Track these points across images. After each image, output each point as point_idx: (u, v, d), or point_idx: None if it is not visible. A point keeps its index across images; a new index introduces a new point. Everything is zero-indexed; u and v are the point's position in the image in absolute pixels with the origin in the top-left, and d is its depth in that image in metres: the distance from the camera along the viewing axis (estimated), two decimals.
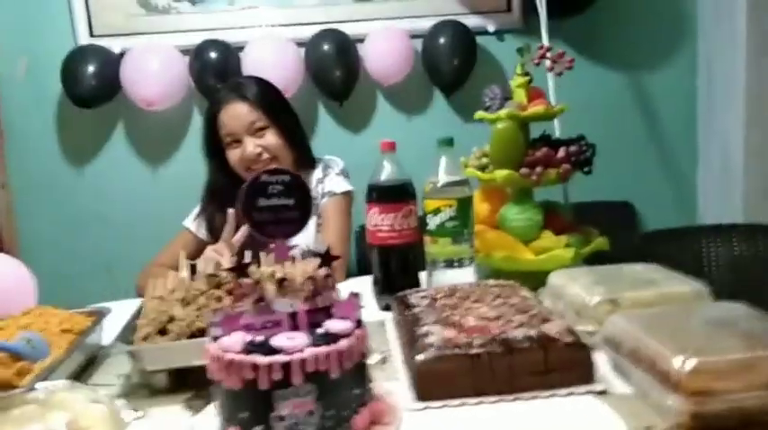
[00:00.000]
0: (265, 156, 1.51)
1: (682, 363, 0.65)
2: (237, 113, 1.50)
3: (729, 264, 1.55)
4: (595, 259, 1.23)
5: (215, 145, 1.55)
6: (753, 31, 2.06)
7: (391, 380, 0.83)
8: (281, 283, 0.73)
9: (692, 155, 2.39)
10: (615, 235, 1.30)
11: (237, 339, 0.67)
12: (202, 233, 1.60)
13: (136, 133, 2.26)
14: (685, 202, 2.42)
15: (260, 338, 0.68)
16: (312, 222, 1.54)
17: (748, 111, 2.04)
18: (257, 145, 1.50)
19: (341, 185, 1.60)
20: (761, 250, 1.51)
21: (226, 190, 1.55)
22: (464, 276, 1.14)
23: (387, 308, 1.11)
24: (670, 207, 2.41)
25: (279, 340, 0.66)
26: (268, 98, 1.55)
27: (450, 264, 1.16)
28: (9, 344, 0.83)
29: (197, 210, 1.63)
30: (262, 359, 0.64)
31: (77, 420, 0.67)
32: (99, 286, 1.80)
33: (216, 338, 0.70)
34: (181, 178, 2.17)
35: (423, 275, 1.20)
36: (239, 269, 0.74)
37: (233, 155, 1.52)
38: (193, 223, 1.62)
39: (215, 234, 1.55)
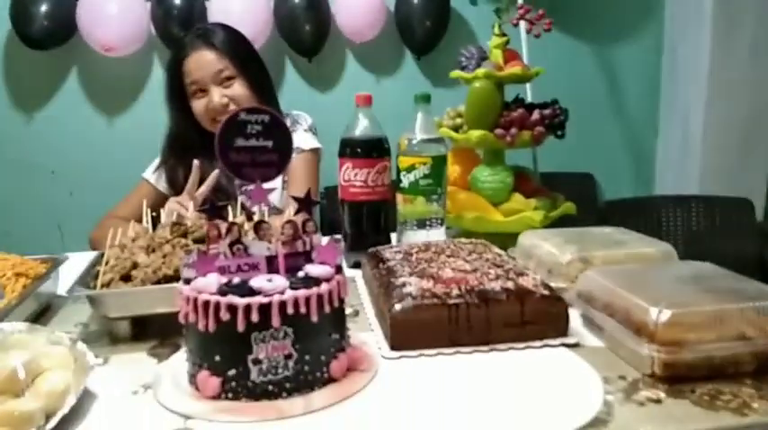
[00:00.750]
0: (232, 107, 1.44)
1: (657, 315, 0.66)
2: (204, 61, 1.43)
3: (688, 233, 1.60)
4: (561, 224, 1.24)
5: (178, 94, 1.48)
6: (718, 11, 2.11)
7: (365, 332, 0.82)
8: (259, 226, 0.71)
9: (653, 130, 2.46)
10: (577, 205, 1.32)
11: (213, 280, 0.65)
12: (162, 185, 1.54)
13: (91, 80, 2.15)
14: (644, 176, 2.49)
15: (237, 280, 0.66)
16: (278, 179, 1.50)
17: (710, 89, 2.10)
18: (224, 95, 1.44)
19: (309, 142, 1.56)
20: (717, 220, 1.57)
21: (188, 141, 1.49)
22: (435, 237, 1.13)
23: (356, 265, 1.10)
24: (629, 179, 2.48)
25: (258, 281, 0.64)
26: (237, 47, 1.48)
27: (421, 224, 1.15)
28: None
29: (157, 161, 1.56)
30: (239, 300, 0.62)
31: (37, 360, 0.64)
32: (48, 244, 1.72)
33: (188, 281, 0.67)
34: (138, 129, 2.07)
35: (393, 237, 1.19)
36: (214, 210, 0.71)
37: (198, 105, 1.46)
38: (153, 175, 1.55)
39: (175, 187, 1.49)
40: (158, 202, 1.47)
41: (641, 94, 2.47)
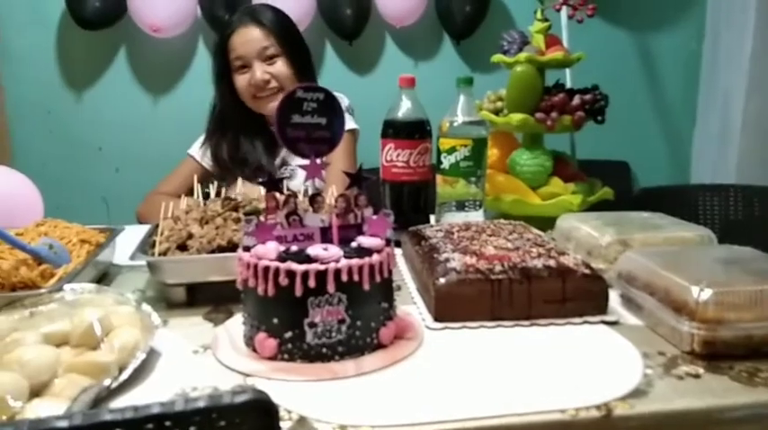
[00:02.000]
0: (273, 84, 1.49)
1: (698, 293, 0.68)
2: (250, 37, 1.47)
3: (725, 222, 1.59)
4: (597, 210, 1.25)
5: (224, 70, 1.52)
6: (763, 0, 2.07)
7: (408, 305, 0.85)
8: (314, 199, 0.74)
9: (691, 118, 2.43)
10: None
11: (272, 248, 0.69)
12: (206, 162, 1.59)
13: (139, 60, 2.21)
14: (679, 165, 2.47)
15: (294, 248, 0.69)
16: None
17: (751, 77, 2.07)
18: (266, 72, 1.48)
19: (346, 123, 1.58)
20: (756, 210, 1.56)
21: (232, 118, 1.54)
22: (473, 219, 1.15)
23: (396, 244, 1.12)
24: (664, 168, 2.46)
25: (314, 250, 0.68)
26: (282, 26, 1.51)
27: (460, 206, 1.18)
28: (32, 247, 0.83)
29: (202, 138, 1.61)
30: (298, 266, 0.66)
31: (109, 318, 0.68)
32: (94, 217, 1.79)
33: (248, 248, 0.71)
34: (182, 109, 2.14)
35: (431, 218, 1.22)
36: (272, 183, 0.75)
37: (241, 80, 1.50)
38: (198, 151, 1.60)
39: (219, 162, 1.54)
40: (203, 178, 1.50)
41: (680, 82, 2.44)
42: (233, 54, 1.49)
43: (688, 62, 2.40)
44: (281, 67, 1.49)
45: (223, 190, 1.15)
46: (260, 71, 1.47)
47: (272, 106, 1.50)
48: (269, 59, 1.48)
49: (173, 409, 0.45)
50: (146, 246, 0.94)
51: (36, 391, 0.57)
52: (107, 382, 0.60)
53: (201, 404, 0.46)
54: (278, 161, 1.55)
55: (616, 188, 1.34)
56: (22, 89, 2.12)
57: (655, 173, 2.43)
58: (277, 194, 0.73)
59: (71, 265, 0.86)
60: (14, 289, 0.78)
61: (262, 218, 0.72)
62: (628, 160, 2.42)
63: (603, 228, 0.97)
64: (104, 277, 1.02)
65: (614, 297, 0.84)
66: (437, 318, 0.79)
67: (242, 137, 1.53)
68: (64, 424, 0.43)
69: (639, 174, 2.45)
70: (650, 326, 0.77)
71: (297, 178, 1.54)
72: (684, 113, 2.44)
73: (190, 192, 1.55)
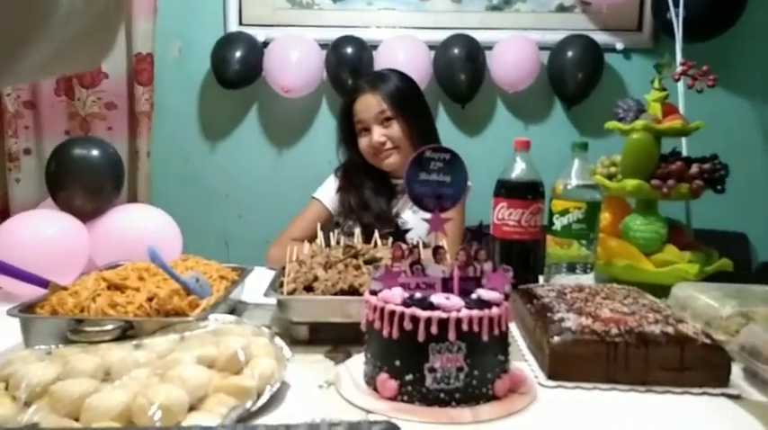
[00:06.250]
0: (389, 145, 1.65)
1: None
2: (368, 104, 1.65)
3: None
4: (714, 281, 1.21)
5: (350, 131, 1.71)
6: None
7: (518, 361, 0.87)
8: (437, 251, 0.80)
9: None
10: None
11: (398, 293, 0.74)
12: (331, 206, 1.74)
13: (268, 117, 2.42)
14: None
15: (418, 295, 0.75)
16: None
17: None
18: (382, 134, 1.65)
19: None
20: None
21: (358, 172, 1.71)
22: (584, 282, 1.15)
23: None
24: None
25: (437, 298, 0.73)
26: (399, 92, 1.66)
27: (571, 268, 1.18)
28: (184, 279, 0.94)
29: (328, 183, 1.76)
30: (422, 312, 0.71)
31: (250, 346, 0.76)
32: (215, 258, 1.95)
33: (375, 292, 0.77)
34: (303, 163, 2.31)
35: (540, 278, 1.23)
36: (398, 234, 0.81)
37: (363, 141, 1.68)
38: (324, 195, 1.75)
39: (344, 207, 1.70)
40: (326, 221, 1.68)
41: None
42: (356, 118, 1.68)
43: None
44: (395, 129, 1.65)
45: (342, 237, 1.22)
46: (377, 134, 1.64)
47: (388, 162, 1.68)
48: (385, 122, 1.65)
49: None
50: (274, 287, 1.02)
51: (191, 406, 0.65)
52: (248, 405, 0.67)
53: (342, 429, 0.52)
54: (393, 212, 1.69)
55: (733, 260, 1.29)
56: (166, 139, 2.35)
57: None
58: (403, 244, 0.80)
59: (212, 298, 0.95)
60: (167, 315, 0.88)
61: (387, 265, 0.79)
62: (746, 232, 2.30)
63: (724, 299, 0.95)
64: (232, 312, 1.11)
65: (736, 370, 0.82)
66: (550, 376, 0.80)
67: (366, 187, 1.69)
68: None
69: (759, 247, 2.32)
70: None
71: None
72: None
73: (314, 235, 1.70)
